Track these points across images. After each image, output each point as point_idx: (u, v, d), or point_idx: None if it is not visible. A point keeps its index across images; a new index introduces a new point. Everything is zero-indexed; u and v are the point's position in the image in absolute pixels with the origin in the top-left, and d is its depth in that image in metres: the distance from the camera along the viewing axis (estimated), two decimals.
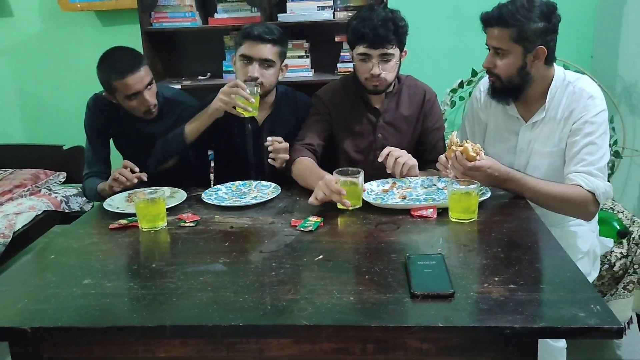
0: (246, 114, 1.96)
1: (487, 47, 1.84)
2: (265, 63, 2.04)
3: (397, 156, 1.82)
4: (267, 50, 2.03)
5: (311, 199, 1.75)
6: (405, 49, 2.01)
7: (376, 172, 2.02)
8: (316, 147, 2.06)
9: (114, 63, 2.05)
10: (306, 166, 1.96)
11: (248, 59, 2.04)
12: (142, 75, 2.05)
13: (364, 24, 1.90)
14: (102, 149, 2.28)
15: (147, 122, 2.18)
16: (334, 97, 2.08)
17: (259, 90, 1.99)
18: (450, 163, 1.70)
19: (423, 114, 2.10)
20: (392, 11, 1.96)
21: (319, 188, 1.73)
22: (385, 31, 1.88)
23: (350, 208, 1.73)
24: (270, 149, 1.97)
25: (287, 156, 1.99)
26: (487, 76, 1.90)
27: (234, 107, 1.94)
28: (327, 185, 1.71)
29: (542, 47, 1.75)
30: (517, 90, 1.83)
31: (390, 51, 1.92)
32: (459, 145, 1.67)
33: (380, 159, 1.84)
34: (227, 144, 2.21)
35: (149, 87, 2.08)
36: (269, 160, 1.99)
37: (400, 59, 2.00)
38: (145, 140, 2.16)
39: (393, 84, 2.06)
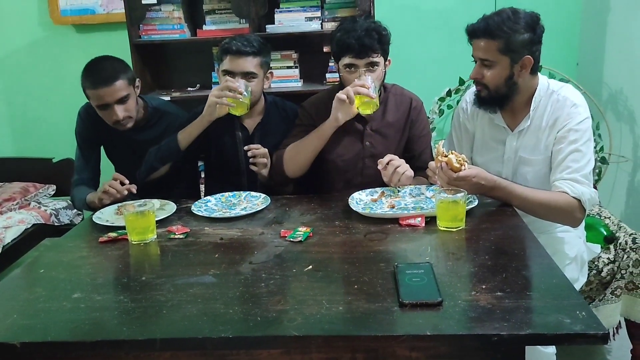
0: (237, 112, 2.00)
1: (473, 59, 1.86)
2: (248, 75, 2.07)
3: (397, 165, 1.84)
4: (249, 64, 2.06)
5: (340, 96, 1.89)
6: (389, 58, 2.04)
7: (365, 180, 2.04)
8: None
9: (92, 72, 2.08)
10: (296, 143, 2.03)
11: (231, 74, 2.06)
12: (114, 89, 2.05)
13: (348, 35, 1.92)
14: (92, 157, 2.31)
15: (136, 131, 2.20)
16: (319, 108, 2.10)
17: (249, 90, 2.02)
18: (437, 173, 1.72)
19: (410, 122, 2.12)
20: (373, 21, 2.01)
21: (343, 92, 1.88)
22: (370, 40, 1.92)
23: (374, 99, 1.88)
24: (249, 154, 2.04)
25: (265, 160, 2.05)
26: (472, 89, 1.93)
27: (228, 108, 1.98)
28: (346, 90, 1.87)
29: (529, 57, 1.78)
30: (504, 99, 1.86)
31: (375, 59, 1.95)
32: (445, 156, 1.69)
33: (379, 167, 1.86)
34: (219, 154, 2.22)
35: (122, 101, 2.08)
36: (250, 166, 2.05)
37: (385, 68, 2.03)
38: (134, 149, 2.18)
39: (379, 93, 2.09)
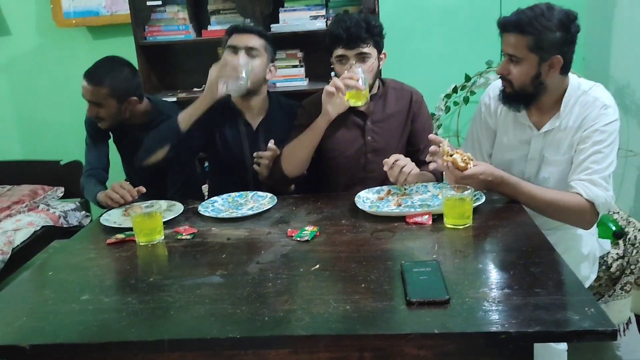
0: (237, 92, 2.03)
1: (502, 53, 1.80)
2: (252, 51, 2.07)
3: (403, 165, 1.83)
4: (253, 40, 2.08)
5: (328, 88, 1.89)
6: (384, 52, 2.04)
7: (369, 175, 2.03)
8: None
9: (94, 65, 2.14)
10: (292, 142, 2.03)
11: (234, 49, 2.06)
12: (92, 90, 2.11)
13: (337, 26, 1.94)
14: (101, 146, 2.34)
15: (141, 130, 2.20)
16: (318, 107, 2.09)
17: (249, 67, 2.01)
18: (444, 173, 1.70)
19: (412, 115, 2.11)
20: (366, 14, 2.00)
21: (331, 84, 1.87)
22: (358, 30, 1.92)
23: (362, 90, 1.87)
24: (254, 155, 2.08)
25: (267, 160, 2.06)
26: (495, 82, 1.88)
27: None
28: (334, 81, 1.86)
29: (559, 56, 1.70)
30: (529, 98, 1.79)
31: (365, 50, 1.95)
32: (450, 155, 1.68)
33: (385, 168, 1.84)
34: (223, 150, 2.21)
35: (96, 104, 2.13)
36: (254, 165, 2.08)
37: (379, 61, 2.03)
38: (138, 146, 2.17)
39: (378, 87, 2.09)
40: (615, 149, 1.75)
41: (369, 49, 1.96)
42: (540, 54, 1.70)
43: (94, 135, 2.32)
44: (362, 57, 1.96)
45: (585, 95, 1.78)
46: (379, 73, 2.08)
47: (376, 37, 1.98)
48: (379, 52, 2.02)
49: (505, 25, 1.74)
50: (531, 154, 1.87)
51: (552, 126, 1.81)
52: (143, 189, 1.98)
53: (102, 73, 2.11)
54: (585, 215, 1.69)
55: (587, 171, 1.71)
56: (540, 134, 1.84)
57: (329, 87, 1.89)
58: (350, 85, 1.86)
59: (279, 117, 2.21)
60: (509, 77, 1.77)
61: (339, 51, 1.96)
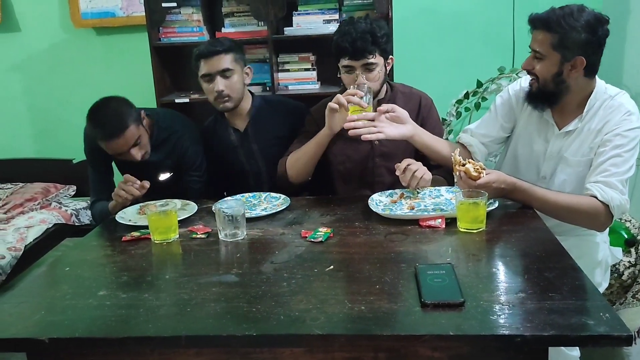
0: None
1: (529, 48, 1.81)
2: (226, 73, 2.11)
3: (415, 170, 1.84)
4: (223, 61, 2.11)
5: (328, 111, 1.89)
6: (391, 57, 2.05)
7: (377, 179, 2.04)
8: None
9: (99, 124, 1.99)
10: (297, 151, 2.06)
11: (209, 76, 2.11)
12: (126, 139, 1.99)
13: (343, 38, 1.95)
14: (104, 172, 2.28)
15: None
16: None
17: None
18: (457, 182, 1.72)
19: (420, 119, 2.11)
20: (372, 22, 1.99)
21: (334, 101, 1.86)
22: (363, 43, 1.92)
23: (365, 108, 1.85)
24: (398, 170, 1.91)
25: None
26: (526, 76, 1.89)
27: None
28: (337, 98, 1.85)
29: (582, 58, 1.71)
30: (553, 97, 1.80)
31: (372, 60, 1.96)
32: (462, 165, 1.69)
33: (397, 172, 1.85)
34: (220, 161, 2.29)
35: (134, 146, 2.04)
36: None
37: (385, 67, 2.03)
38: (142, 169, 2.13)
39: (386, 91, 2.10)
40: (635, 155, 1.75)
41: (375, 59, 1.96)
42: (563, 53, 1.72)
43: (97, 163, 2.25)
44: (368, 67, 1.97)
45: (611, 100, 1.79)
46: (386, 78, 2.08)
47: (382, 45, 1.97)
48: (386, 58, 2.02)
49: (534, 22, 1.76)
50: (550, 152, 1.88)
51: (574, 127, 1.82)
52: (147, 184, 1.98)
53: (116, 119, 1.99)
54: (599, 217, 1.69)
55: (605, 173, 1.71)
56: (561, 133, 1.85)
57: (331, 104, 1.88)
58: (353, 102, 1.84)
59: (265, 117, 2.26)
60: (533, 71, 1.79)
61: (345, 61, 1.97)
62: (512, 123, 1.99)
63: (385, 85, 2.11)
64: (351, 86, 1.91)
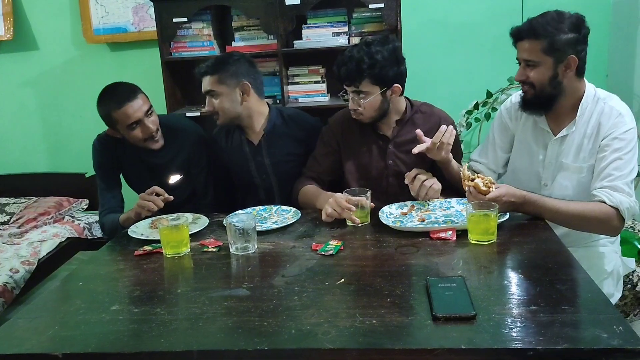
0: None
1: (517, 61, 1.85)
2: (212, 94, 2.16)
3: (424, 179, 1.84)
4: (206, 83, 2.17)
5: (323, 217, 1.84)
6: (397, 85, 1.99)
7: (390, 198, 2.02)
8: (322, 176, 2.15)
9: (112, 96, 2.12)
10: (312, 192, 2.05)
11: (205, 95, 2.19)
12: (140, 103, 2.11)
13: (337, 64, 1.98)
14: (114, 185, 2.33)
15: (151, 153, 2.23)
16: (343, 125, 2.13)
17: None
18: (466, 197, 1.74)
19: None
20: (368, 49, 1.93)
21: (329, 205, 1.82)
22: (347, 71, 1.94)
23: (359, 225, 1.81)
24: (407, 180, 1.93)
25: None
26: (517, 91, 1.92)
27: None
28: (337, 203, 1.80)
29: (574, 56, 1.77)
30: (549, 100, 1.83)
31: (361, 88, 1.95)
32: (471, 180, 1.69)
33: (407, 181, 1.87)
34: (232, 173, 2.32)
35: (148, 114, 2.14)
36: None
37: (385, 96, 1.99)
38: (151, 172, 2.22)
39: (405, 111, 2.09)
40: (635, 156, 1.78)
41: (365, 87, 1.95)
42: (556, 56, 1.77)
43: (106, 176, 2.31)
44: (358, 94, 1.97)
45: (602, 102, 1.84)
46: (385, 106, 2.01)
47: (376, 74, 1.93)
48: (382, 87, 1.96)
49: (519, 33, 1.81)
50: (548, 159, 1.91)
51: (568, 131, 1.86)
52: (170, 198, 2.01)
53: (127, 89, 2.12)
54: (612, 222, 1.70)
55: (609, 178, 1.74)
56: (557, 139, 1.88)
57: (324, 216, 1.84)
58: (347, 218, 1.81)
59: (279, 130, 2.26)
60: (528, 80, 1.83)
61: (343, 85, 2.01)
62: (510, 140, 2.03)
63: (405, 104, 2.09)
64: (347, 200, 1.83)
